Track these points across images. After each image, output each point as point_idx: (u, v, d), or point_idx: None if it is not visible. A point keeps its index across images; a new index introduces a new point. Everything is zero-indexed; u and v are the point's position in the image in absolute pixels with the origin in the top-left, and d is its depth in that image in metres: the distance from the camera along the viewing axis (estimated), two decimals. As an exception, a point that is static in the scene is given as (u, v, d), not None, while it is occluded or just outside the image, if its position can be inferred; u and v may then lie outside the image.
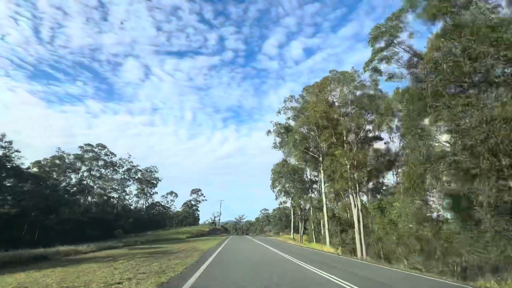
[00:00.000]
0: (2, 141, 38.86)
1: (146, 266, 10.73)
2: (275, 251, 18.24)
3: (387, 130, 25.28)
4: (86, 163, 59.36)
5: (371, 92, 25.45)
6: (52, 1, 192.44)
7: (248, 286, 6.98)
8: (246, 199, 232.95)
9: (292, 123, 35.34)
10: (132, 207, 74.50)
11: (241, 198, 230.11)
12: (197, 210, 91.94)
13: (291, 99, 34.11)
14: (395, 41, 14.89)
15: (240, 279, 7.92)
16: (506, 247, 9.98)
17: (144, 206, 78.99)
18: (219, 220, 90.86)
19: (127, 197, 73.32)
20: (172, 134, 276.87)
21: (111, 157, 64.95)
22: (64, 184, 54.14)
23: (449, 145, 11.17)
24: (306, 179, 46.02)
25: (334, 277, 8.42)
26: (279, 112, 34.22)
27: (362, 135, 27.46)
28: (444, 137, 11.51)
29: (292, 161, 42.20)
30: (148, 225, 68.16)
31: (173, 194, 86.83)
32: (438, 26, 12.72)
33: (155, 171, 78.38)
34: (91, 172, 60.83)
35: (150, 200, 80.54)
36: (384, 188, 34.15)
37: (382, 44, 15.51)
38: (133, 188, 74.30)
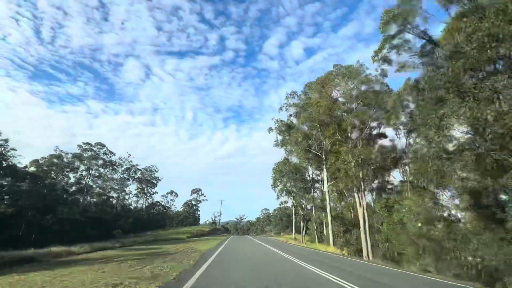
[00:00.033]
0: (-3, 139, 38.03)
1: (138, 270, 9.81)
2: (280, 253, 17.31)
3: (393, 125, 24.28)
4: (85, 162, 58.51)
5: (377, 87, 24.49)
6: (52, 1, 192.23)
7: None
8: (246, 199, 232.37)
9: (294, 120, 34.44)
10: (131, 207, 73.61)
11: (242, 198, 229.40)
12: (197, 210, 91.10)
13: (293, 96, 33.19)
14: (408, 27, 13.85)
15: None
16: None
17: (144, 206, 78.15)
18: (220, 220, 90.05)
19: (126, 196, 72.43)
20: (172, 134, 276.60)
21: (110, 156, 64.13)
22: (62, 183, 53.34)
23: (471, 136, 10.19)
24: (308, 178, 45.13)
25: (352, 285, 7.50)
26: (281, 108, 33.32)
27: (366, 132, 26.53)
28: (464, 129, 10.51)
29: (294, 159, 41.34)
30: (148, 225, 67.32)
31: (173, 194, 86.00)
32: (454, 10, 11.75)
33: (155, 170, 77.56)
34: (90, 171, 59.99)
35: (150, 200, 79.74)
36: (389, 187, 33.16)
37: (393, 32, 14.44)
38: (132, 187, 73.47)
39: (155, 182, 77.31)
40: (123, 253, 18.80)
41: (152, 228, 65.47)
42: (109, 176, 64.68)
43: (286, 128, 35.00)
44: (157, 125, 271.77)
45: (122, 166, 68.27)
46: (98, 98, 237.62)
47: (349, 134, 26.06)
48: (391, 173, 28.83)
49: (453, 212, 16.85)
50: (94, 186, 61.35)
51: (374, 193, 31.37)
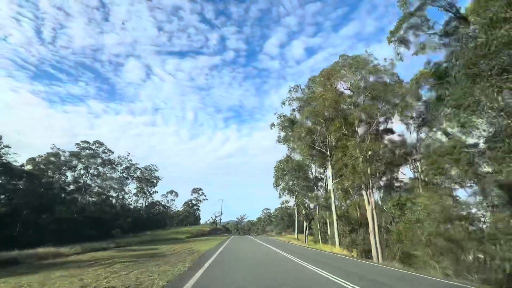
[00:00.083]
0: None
1: (123, 276, 8.50)
2: (282, 253, 15.96)
3: (405, 118, 22.85)
4: (83, 160, 57.33)
5: (386, 78, 23.06)
6: (53, 2, 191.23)
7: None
8: (247, 199, 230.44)
9: (297, 115, 33.10)
10: (131, 207, 72.44)
11: (243, 198, 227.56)
12: (198, 209, 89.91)
13: (296, 89, 31.81)
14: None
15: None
16: None
17: (143, 206, 76.99)
18: (220, 220, 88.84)
19: (126, 196, 71.22)
20: (173, 134, 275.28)
21: (109, 155, 62.94)
22: (60, 182, 52.19)
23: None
24: (311, 176, 43.80)
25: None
26: (283, 103, 31.95)
27: (374, 126, 25.15)
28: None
29: (297, 157, 40.01)
30: (148, 224, 66.17)
31: (174, 193, 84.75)
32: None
33: (155, 169, 76.35)
34: (89, 170, 58.82)
35: (149, 200, 78.55)
36: (397, 185, 31.71)
37: (413, 7, 12.98)
38: (132, 187, 72.34)
39: (155, 181, 76.12)
40: (115, 254, 17.51)
41: (152, 228, 64.29)
42: (108, 175, 63.46)
43: (289, 124, 33.66)
44: (157, 125, 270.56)
45: (121, 165, 67.12)
46: (99, 98, 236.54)
47: (356, 128, 24.67)
48: (400, 170, 27.46)
49: (473, 210, 15.46)
50: (92, 185, 60.15)
51: (382, 191, 29.97)
